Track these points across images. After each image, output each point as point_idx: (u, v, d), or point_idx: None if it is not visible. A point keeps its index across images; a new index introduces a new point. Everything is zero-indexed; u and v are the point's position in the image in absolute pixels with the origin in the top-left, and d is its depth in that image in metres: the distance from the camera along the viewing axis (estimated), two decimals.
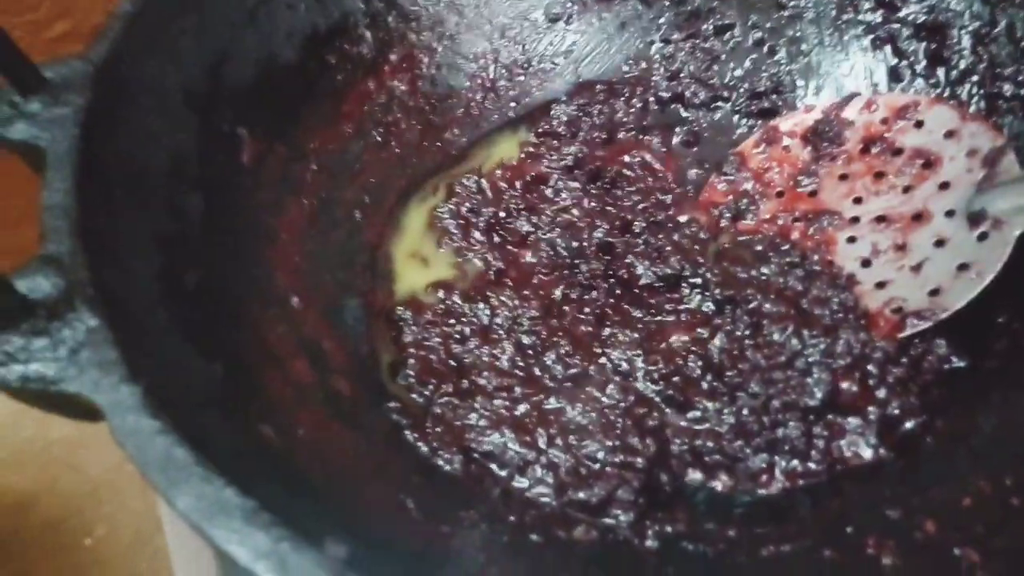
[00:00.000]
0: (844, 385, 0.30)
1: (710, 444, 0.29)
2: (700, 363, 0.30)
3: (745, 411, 0.29)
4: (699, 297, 0.33)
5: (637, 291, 0.33)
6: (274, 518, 0.15)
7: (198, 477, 0.16)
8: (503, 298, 0.32)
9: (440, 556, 0.22)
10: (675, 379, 0.30)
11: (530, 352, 0.31)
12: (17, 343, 0.18)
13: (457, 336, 0.31)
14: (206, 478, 0.16)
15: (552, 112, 0.38)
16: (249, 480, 0.16)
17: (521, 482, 0.28)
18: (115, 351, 0.18)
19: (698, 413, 0.29)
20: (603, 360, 0.31)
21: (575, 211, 0.35)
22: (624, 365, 0.31)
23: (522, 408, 0.29)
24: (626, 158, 0.37)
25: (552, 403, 0.30)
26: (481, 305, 0.32)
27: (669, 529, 0.26)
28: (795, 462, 0.28)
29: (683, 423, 0.29)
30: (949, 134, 0.33)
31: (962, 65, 0.35)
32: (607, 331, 0.32)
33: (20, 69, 0.24)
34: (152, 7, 0.27)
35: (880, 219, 0.33)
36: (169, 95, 0.27)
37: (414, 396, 0.29)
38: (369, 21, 0.34)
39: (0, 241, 0.21)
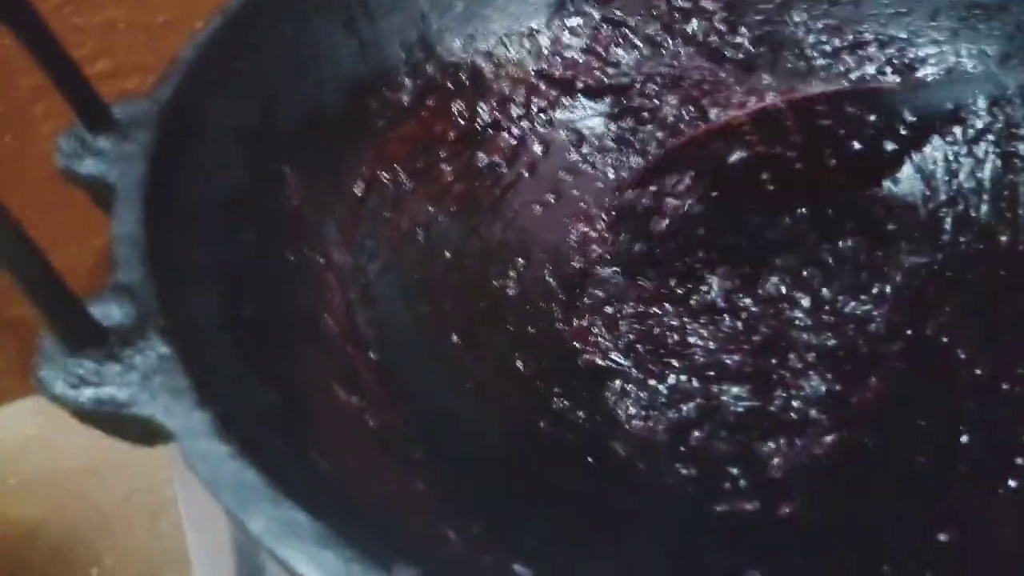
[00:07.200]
0: None
1: None
2: None
3: None
4: None
5: None
6: (343, 541, 0.16)
7: (268, 500, 0.17)
8: None
9: None
10: None
11: None
12: (89, 366, 0.19)
13: None
14: (276, 501, 0.17)
15: None
16: (313, 504, 0.17)
17: None
18: (186, 379, 0.18)
19: None
20: None
21: None
22: None
23: None
24: None
25: None
26: None
27: None
28: None
29: None
30: None
31: (979, 124, 0.36)
32: None
33: (91, 107, 0.25)
34: (211, 52, 0.28)
35: None
36: (224, 134, 0.28)
37: None
38: (409, 70, 0.35)
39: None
